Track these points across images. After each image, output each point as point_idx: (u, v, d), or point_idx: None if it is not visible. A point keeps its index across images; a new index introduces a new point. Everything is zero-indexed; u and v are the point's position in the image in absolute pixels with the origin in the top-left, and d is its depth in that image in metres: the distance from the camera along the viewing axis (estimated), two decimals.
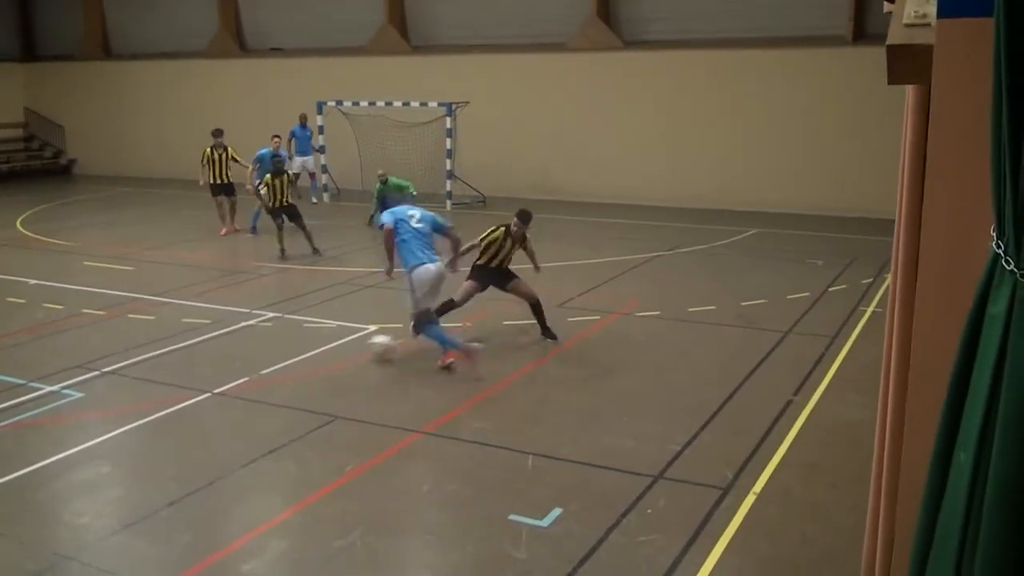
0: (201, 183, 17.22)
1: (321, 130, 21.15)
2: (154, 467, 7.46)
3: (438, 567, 5.96)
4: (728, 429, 7.90)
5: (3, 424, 8.25)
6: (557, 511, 6.35)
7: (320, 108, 21.22)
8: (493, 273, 10.42)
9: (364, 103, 20.90)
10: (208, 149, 17.15)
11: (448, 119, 19.89)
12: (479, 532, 6.20)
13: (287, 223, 15.11)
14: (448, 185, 20.25)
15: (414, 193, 17.70)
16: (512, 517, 6.28)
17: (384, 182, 17.49)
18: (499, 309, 11.28)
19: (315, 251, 15.09)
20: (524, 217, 10.42)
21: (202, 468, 7.31)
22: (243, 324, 11.19)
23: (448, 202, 20.19)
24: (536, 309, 10.34)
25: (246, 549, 6.09)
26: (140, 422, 8.20)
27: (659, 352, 10.17)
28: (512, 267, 10.58)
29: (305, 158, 20.51)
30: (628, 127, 20.47)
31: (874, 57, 5.82)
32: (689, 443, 7.56)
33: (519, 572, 5.69)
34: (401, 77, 22.11)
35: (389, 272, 9.77)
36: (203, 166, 17.12)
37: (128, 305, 12.25)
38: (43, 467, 7.38)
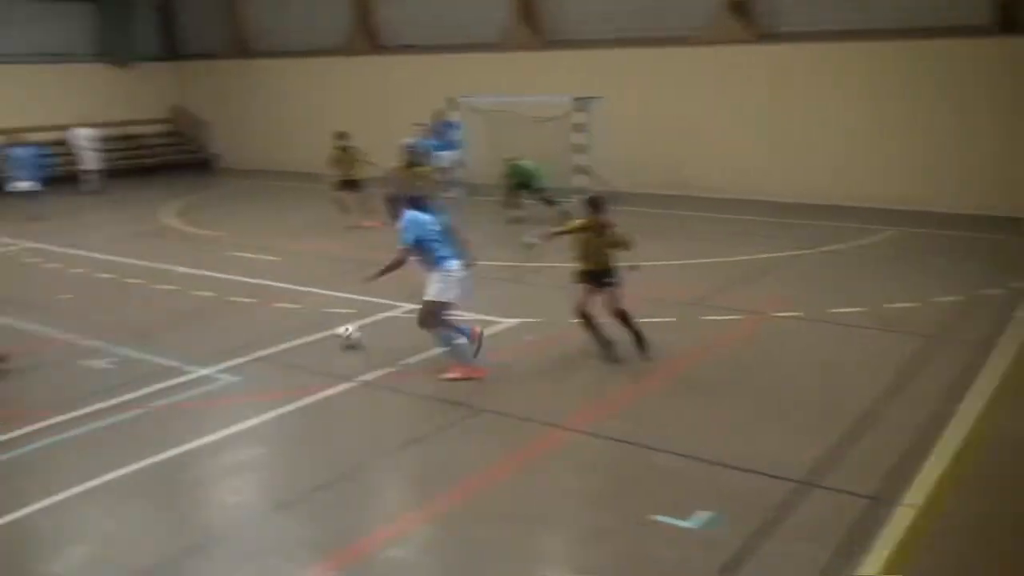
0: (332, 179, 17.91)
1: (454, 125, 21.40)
2: (304, 451, 7.71)
3: (583, 563, 5.97)
4: (877, 435, 7.65)
5: (159, 404, 8.67)
6: (702, 513, 6.27)
7: (452, 104, 21.46)
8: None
9: (495, 98, 21.04)
10: (336, 148, 17.95)
11: (580, 114, 19.83)
12: (623, 530, 6.19)
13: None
14: (579, 180, 20.20)
15: (543, 180, 17.88)
16: (656, 517, 6.24)
17: (514, 164, 18.07)
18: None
19: None
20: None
21: (350, 454, 7.54)
22: (385, 315, 11.43)
23: (577, 198, 20.13)
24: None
25: (393, 536, 6.23)
26: (290, 407, 8.48)
27: (801, 353, 9.93)
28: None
29: (451, 153, 20.61)
30: (764, 121, 20.03)
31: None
32: (836, 449, 7.36)
33: (665, 572, 5.66)
34: (532, 72, 22.19)
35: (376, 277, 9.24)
36: (332, 163, 17.95)
37: (274, 294, 12.69)
38: (196, 447, 7.72)
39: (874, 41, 18.66)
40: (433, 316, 8.99)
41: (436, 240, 8.94)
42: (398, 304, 11.69)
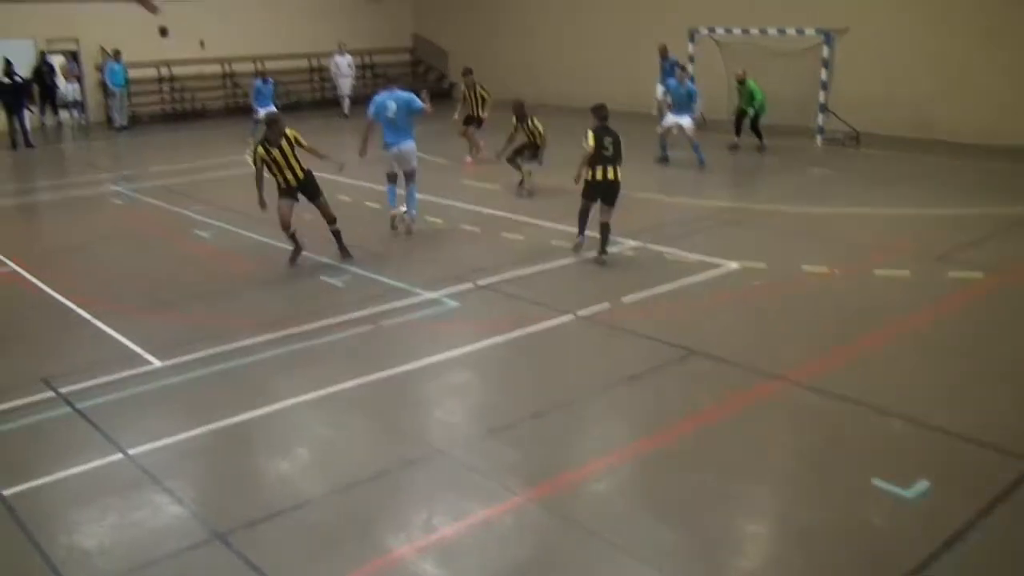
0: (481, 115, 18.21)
1: (692, 59, 20.80)
2: (520, 380, 7.87)
3: (793, 520, 5.76)
4: None
5: (389, 323, 9.08)
6: (924, 483, 5.88)
7: (692, 36, 20.86)
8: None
9: (737, 30, 20.26)
10: (464, 89, 18.48)
11: (825, 48, 18.77)
12: (838, 492, 5.92)
13: None
14: (820, 119, 19.22)
15: (761, 107, 18.21)
16: (875, 482, 5.92)
17: (742, 82, 18.20)
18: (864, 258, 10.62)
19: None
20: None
21: (564, 387, 7.62)
22: (610, 249, 11.39)
23: (819, 137, 19.19)
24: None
25: (599, 471, 6.27)
26: (509, 336, 8.66)
27: None
28: None
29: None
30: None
31: None
32: None
33: (879, 540, 5.38)
34: (776, 3, 21.12)
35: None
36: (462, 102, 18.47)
37: (500, 223, 12.94)
38: (418, 368, 8.04)
39: None
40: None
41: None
42: (620, 240, 11.61)
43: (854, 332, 8.69)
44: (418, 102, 12.17)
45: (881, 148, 18.43)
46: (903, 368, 7.90)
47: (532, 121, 15.03)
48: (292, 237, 11.11)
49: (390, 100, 12.20)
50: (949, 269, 10.37)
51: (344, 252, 11.24)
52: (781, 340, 8.57)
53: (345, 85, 26.29)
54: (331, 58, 26.77)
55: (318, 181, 11.18)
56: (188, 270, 11.30)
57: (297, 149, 10.91)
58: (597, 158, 10.72)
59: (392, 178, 12.75)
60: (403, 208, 12.62)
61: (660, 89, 20.13)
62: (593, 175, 10.81)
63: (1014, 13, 18.10)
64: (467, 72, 18.89)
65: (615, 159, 10.80)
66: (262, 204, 10.94)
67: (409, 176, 12.53)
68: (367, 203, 14.37)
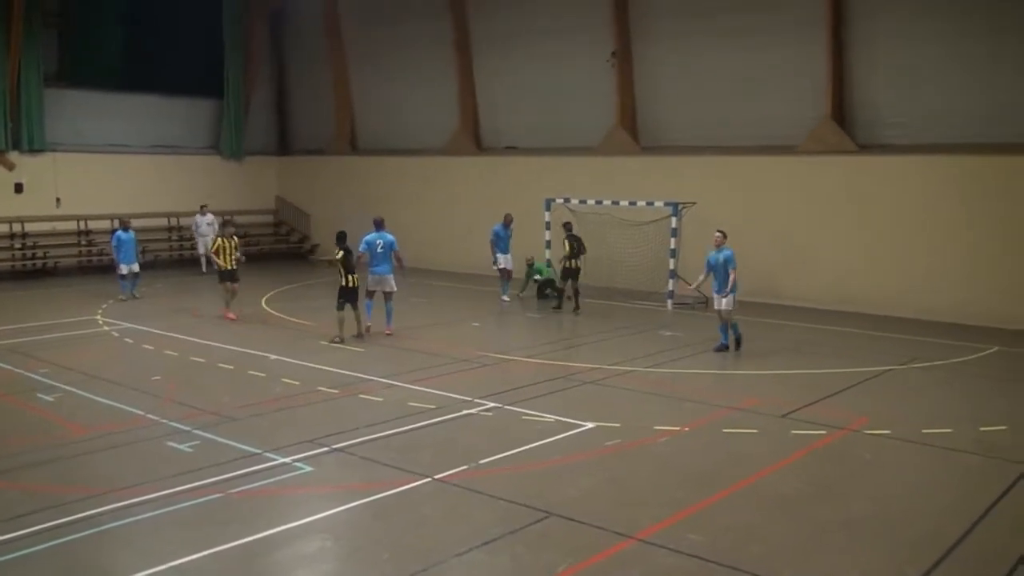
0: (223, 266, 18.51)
1: (548, 226, 21.67)
2: (373, 547, 7.66)
3: None
4: (967, 570, 7.24)
5: (236, 491, 8.77)
6: None
7: (548, 205, 21.79)
8: None
9: (591, 201, 21.30)
10: (220, 239, 18.78)
11: (673, 219, 19.90)
12: None
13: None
14: (671, 285, 20.15)
15: (544, 275, 21.22)
16: None
17: (530, 264, 21.43)
18: (722, 416, 11.00)
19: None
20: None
21: (418, 553, 7.46)
22: (464, 412, 11.45)
23: (669, 302, 20.05)
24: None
25: None
26: (362, 501, 8.49)
27: (888, 475, 9.53)
28: None
29: (507, 255, 20.94)
30: (860, 233, 19.73)
31: None
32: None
33: None
34: (629, 176, 22.44)
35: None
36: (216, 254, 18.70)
37: (359, 386, 12.85)
38: (269, 536, 7.76)
39: (979, 156, 18.34)
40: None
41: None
42: (479, 401, 11.70)
43: (704, 488, 8.89)
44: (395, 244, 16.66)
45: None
46: (749, 522, 8.09)
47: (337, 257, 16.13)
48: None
49: (378, 238, 16.39)
50: (794, 427, 10.84)
51: None
52: (634, 499, 8.69)
53: (204, 243, 26.12)
54: (193, 217, 26.78)
55: None
56: (27, 435, 10.69)
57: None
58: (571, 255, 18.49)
59: (371, 295, 16.58)
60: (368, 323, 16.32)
61: (502, 258, 20.75)
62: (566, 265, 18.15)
63: (848, 197, 19.79)
64: (226, 224, 20.07)
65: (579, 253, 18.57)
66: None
67: (388, 296, 16.51)
68: (220, 364, 14.09)
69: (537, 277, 21.39)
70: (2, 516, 8.01)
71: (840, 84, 20.31)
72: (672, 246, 20.01)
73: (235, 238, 18.90)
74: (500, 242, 20.77)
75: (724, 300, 15.15)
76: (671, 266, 20.11)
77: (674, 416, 11.25)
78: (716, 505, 8.53)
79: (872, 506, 8.53)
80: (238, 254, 18.57)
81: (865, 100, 20.25)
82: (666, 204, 20.07)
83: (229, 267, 18.40)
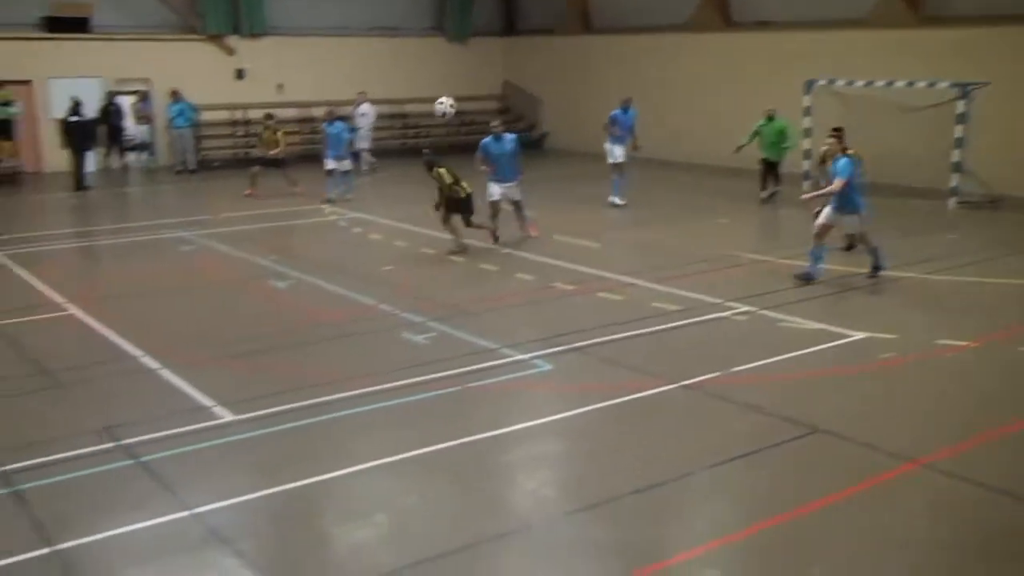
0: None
1: (808, 111, 20.71)
2: (618, 451, 7.74)
3: None
4: None
5: (473, 385, 9.09)
6: None
7: (809, 87, 20.79)
8: None
9: (860, 83, 20.13)
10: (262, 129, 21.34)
11: (961, 103, 18.50)
12: None
13: None
14: (955, 180, 18.86)
15: (789, 146, 19.27)
16: None
17: (770, 118, 19.26)
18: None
19: None
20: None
21: (669, 461, 7.48)
22: (714, 315, 11.29)
23: (952, 199, 18.79)
24: None
25: (708, 556, 6.13)
26: (605, 403, 8.58)
27: None
28: None
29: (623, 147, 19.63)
30: None
31: None
32: None
33: None
34: (906, 54, 20.93)
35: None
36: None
37: (596, 283, 12.92)
38: (510, 433, 8.03)
39: None
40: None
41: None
42: (730, 304, 11.50)
43: (996, 414, 8.39)
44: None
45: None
46: None
47: (436, 171, 14.83)
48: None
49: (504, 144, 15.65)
50: None
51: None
52: (913, 420, 8.32)
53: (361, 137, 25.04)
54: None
55: None
56: (262, 320, 11.52)
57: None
58: None
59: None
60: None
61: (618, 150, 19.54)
62: None
63: None
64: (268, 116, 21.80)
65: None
66: None
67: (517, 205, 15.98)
68: (451, 257, 14.57)
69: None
70: (242, 396, 8.71)
71: None
72: (958, 134, 18.63)
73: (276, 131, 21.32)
74: (620, 129, 19.35)
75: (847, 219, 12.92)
76: (955, 158, 18.77)
77: (958, 330, 10.62)
78: (1010, 434, 8.01)
79: None
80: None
81: None
82: (952, 85, 18.65)
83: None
